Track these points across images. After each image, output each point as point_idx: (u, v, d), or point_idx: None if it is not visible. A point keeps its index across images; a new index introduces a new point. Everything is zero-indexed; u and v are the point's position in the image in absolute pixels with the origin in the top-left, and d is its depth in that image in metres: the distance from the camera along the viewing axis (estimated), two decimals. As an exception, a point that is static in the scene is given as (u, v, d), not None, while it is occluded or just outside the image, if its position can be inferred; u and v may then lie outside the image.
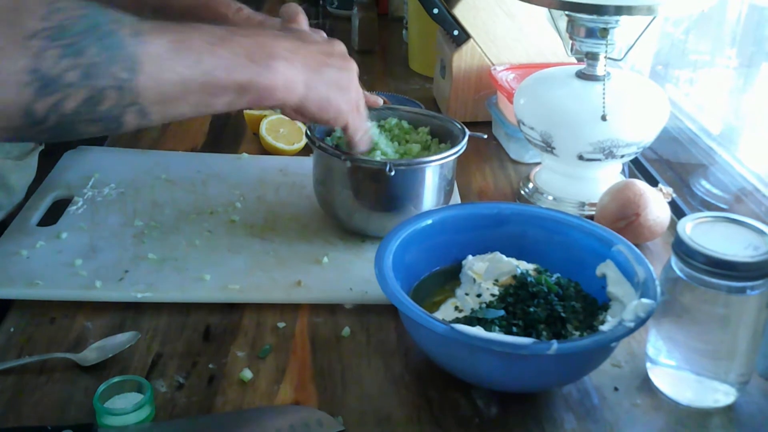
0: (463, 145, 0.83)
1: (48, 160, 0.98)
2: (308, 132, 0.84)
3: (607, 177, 0.93)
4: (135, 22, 0.56)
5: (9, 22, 0.51)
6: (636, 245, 0.81)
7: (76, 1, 0.54)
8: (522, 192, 0.98)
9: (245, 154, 1.04)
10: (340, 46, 0.73)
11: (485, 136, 0.89)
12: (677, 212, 0.92)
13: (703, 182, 0.96)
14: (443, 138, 0.88)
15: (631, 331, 0.59)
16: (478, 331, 0.59)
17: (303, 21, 0.82)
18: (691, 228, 0.62)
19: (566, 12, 0.86)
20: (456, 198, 0.94)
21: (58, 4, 0.53)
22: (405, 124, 0.90)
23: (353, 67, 0.73)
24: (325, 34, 0.82)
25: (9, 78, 0.50)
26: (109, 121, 0.56)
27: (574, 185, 0.93)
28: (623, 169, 0.98)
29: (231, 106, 0.64)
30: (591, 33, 0.86)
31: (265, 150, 1.06)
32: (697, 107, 1.09)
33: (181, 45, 0.58)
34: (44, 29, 0.51)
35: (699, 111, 1.08)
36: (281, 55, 0.65)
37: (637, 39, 0.88)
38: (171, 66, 0.57)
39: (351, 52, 1.59)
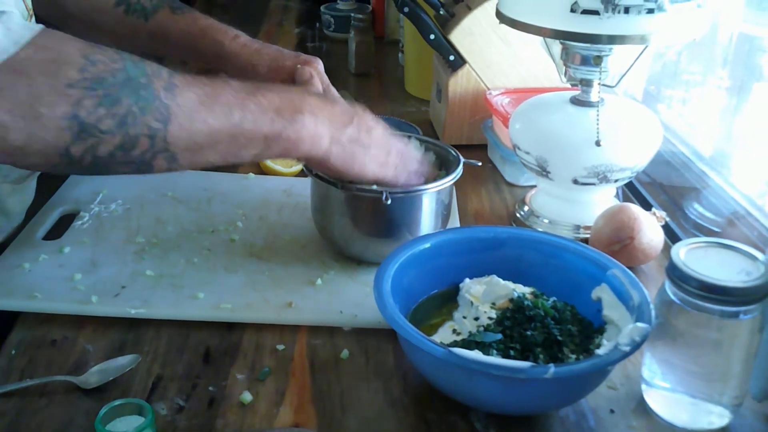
0: (458, 172, 0.84)
1: (55, 178, 0.99)
2: None
3: (601, 201, 0.94)
4: (168, 75, 0.60)
5: (50, 72, 0.55)
6: (630, 268, 0.82)
7: (112, 53, 0.58)
8: (518, 215, 0.99)
9: (252, 174, 1.05)
10: (360, 108, 0.77)
11: (480, 164, 0.90)
12: (671, 236, 0.93)
13: (696, 206, 0.98)
14: (438, 165, 0.89)
15: (627, 354, 0.60)
16: (476, 354, 0.60)
17: (317, 83, 0.85)
18: (684, 253, 0.64)
19: (560, 40, 0.88)
20: (455, 221, 0.95)
21: (94, 57, 0.56)
22: None
23: (378, 126, 0.76)
24: (327, 80, 0.87)
25: (49, 123, 0.54)
26: (140, 164, 0.60)
27: (569, 209, 0.94)
28: (617, 193, 1.00)
29: (258, 157, 0.68)
30: (585, 60, 0.88)
31: (264, 172, 1.07)
32: (690, 127, 1.10)
33: (212, 98, 0.62)
34: (83, 79, 0.55)
35: (691, 132, 1.09)
36: (308, 110, 0.69)
37: (631, 66, 0.89)
38: (201, 117, 0.61)
39: (347, 75, 1.62)
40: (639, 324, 0.63)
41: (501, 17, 0.88)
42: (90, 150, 0.56)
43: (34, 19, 0.84)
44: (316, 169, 0.77)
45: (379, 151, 0.76)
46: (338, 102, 0.76)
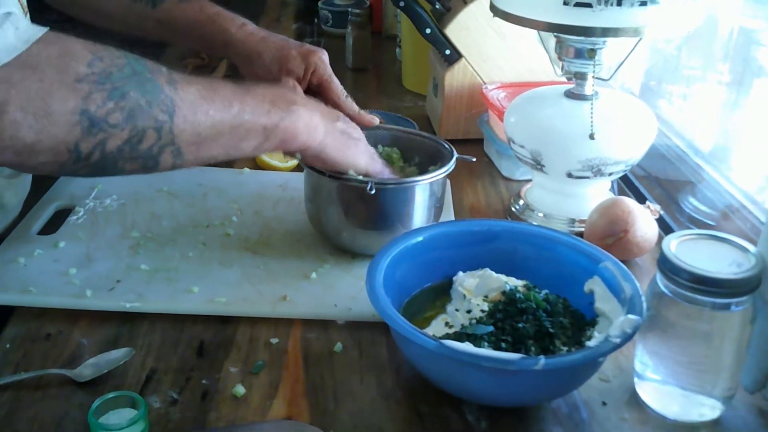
0: (450, 165, 0.84)
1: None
2: None
3: (596, 194, 0.94)
4: (168, 72, 0.62)
5: (58, 67, 0.55)
6: (625, 261, 0.82)
7: (114, 50, 0.59)
8: (513, 209, 0.99)
9: (247, 169, 1.06)
10: (349, 106, 0.85)
11: (474, 160, 0.90)
12: (665, 229, 0.93)
13: (691, 199, 0.98)
14: (433, 158, 0.89)
15: (617, 346, 0.61)
16: (467, 346, 0.60)
17: (316, 59, 0.88)
18: (675, 245, 0.64)
19: (555, 33, 0.88)
20: (449, 215, 0.95)
21: (100, 53, 0.57)
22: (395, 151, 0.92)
23: (357, 126, 0.81)
24: (331, 71, 0.90)
25: (60, 118, 0.55)
26: (147, 159, 0.61)
27: (564, 202, 0.95)
28: (612, 186, 1.00)
29: (258, 150, 0.70)
30: (579, 54, 0.88)
31: (260, 167, 1.07)
32: (690, 123, 1.10)
33: (211, 92, 0.64)
34: (91, 74, 0.56)
35: (690, 127, 1.09)
36: (300, 102, 0.72)
37: (625, 59, 0.89)
38: (204, 109, 0.63)
39: (345, 70, 1.62)
40: (630, 316, 0.63)
41: (495, 10, 0.88)
42: (99, 145, 0.57)
43: (29, 16, 0.84)
44: (312, 161, 0.78)
45: (365, 146, 0.79)
46: (322, 103, 0.79)
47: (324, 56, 0.89)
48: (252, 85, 0.70)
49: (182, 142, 0.62)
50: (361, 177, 0.80)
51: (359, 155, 0.78)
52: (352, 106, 0.88)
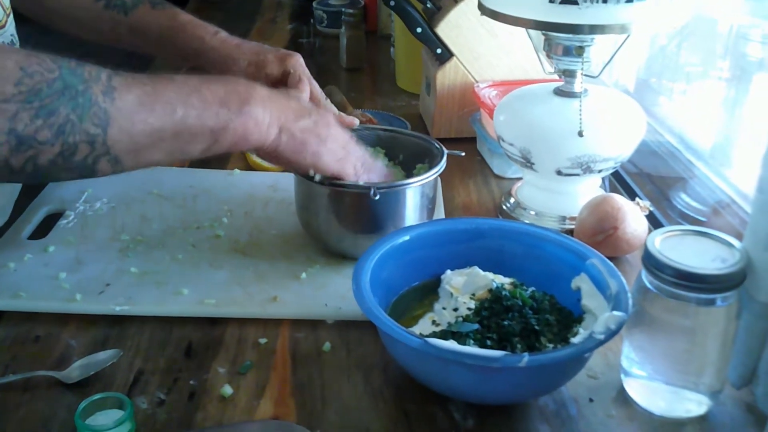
0: (441, 165, 0.84)
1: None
2: None
3: (586, 191, 0.94)
4: (107, 79, 0.60)
5: None
6: (615, 258, 0.83)
7: (49, 62, 0.57)
8: (504, 207, 0.99)
9: (237, 170, 1.06)
10: (329, 108, 0.78)
11: (463, 154, 0.90)
12: (656, 225, 0.93)
13: (683, 195, 0.98)
14: (418, 156, 0.89)
15: (601, 343, 0.61)
16: (451, 344, 0.60)
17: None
18: (660, 241, 0.64)
19: (543, 31, 0.87)
20: (440, 214, 0.95)
21: (31, 69, 0.56)
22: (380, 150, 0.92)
23: (333, 120, 0.76)
24: (309, 74, 0.87)
25: None
26: (82, 169, 0.60)
27: (554, 200, 0.95)
28: (603, 183, 1.00)
29: (208, 152, 0.67)
30: (567, 51, 0.88)
31: (252, 168, 1.08)
32: (690, 120, 1.10)
33: (152, 97, 0.62)
34: (19, 93, 0.55)
35: (691, 124, 1.09)
36: (255, 100, 0.68)
37: (613, 56, 0.89)
38: (141, 118, 0.61)
39: (339, 70, 1.61)
40: (615, 312, 0.63)
41: (482, 9, 0.88)
42: (30, 160, 0.57)
43: (11, 17, 0.85)
44: (268, 160, 0.76)
45: (337, 146, 0.75)
46: (301, 100, 0.76)
47: (300, 60, 0.89)
48: (205, 81, 0.67)
49: (119, 152, 0.61)
50: (361, 183, 0.79)
51: (322, 156, 0.74)
52: (332, 108, 0.88)
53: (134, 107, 0.61)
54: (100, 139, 0.59)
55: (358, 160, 0.79)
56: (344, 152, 0.77)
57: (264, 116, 0.69)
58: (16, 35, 0.87)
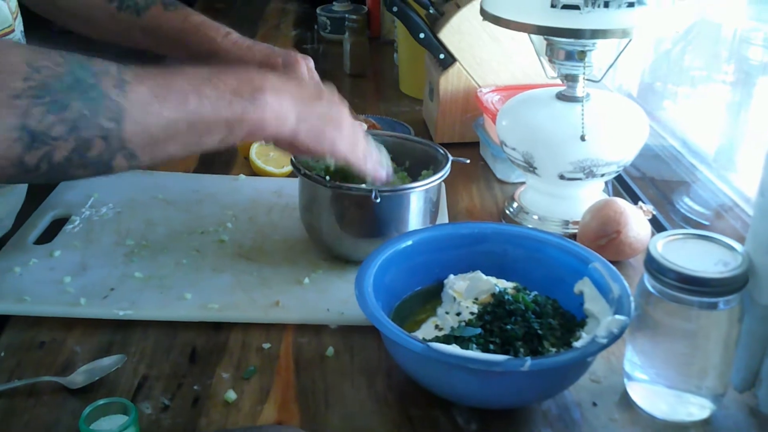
0: (446, 170, 0.85)
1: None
2: (293, 159, 0.85)
3: (589, 195, 0.94)
4: (117, 72, 0.59)
5: None
6: (618, 262, 0.83)
7: (57, 57, 0.56)
8: (507, 211, 0.99)
9: (242, 176, 1.06)
10: (330, 87, 0.74)
11: (468, 161, 0.91)
12: (659, 229, 0.93)
13: (686, 199, 0.98)
14: (424, 162, 0.89)
15: (604, 347, 0.61)
16: (453, 349, 0.60)
17: (301, 68, 0.84)
18: (662, 245, 0.64)
19: (545, 36, 0.88)
20: (444, 219, 0.95)
21: (38, 63, 0.55)
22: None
23: (344, 104, 0.74)
24: (318, 78, 0.85)
25: None
26: (99, 165, 0.58)
27: (557, 204, 0.95)
28: (606, 187, 1.00)
29: (224, 142, 0.65)
30: (569, 56, 0.88)
31: (256, 173, 1.08)
32: (695, 123, 1.10)
33: (165, 89, 0.60)
34: (28, 88, 0.54)
35: (694, 127, 1.09)
36: (269, 89, 0.66)
37: (615, 61, 0.89)
38: (156, 111, 0.59)
39: (343, 76, 1.62)
40: (617, 316, 0.63)
41: (484, 14, 0.88)
42: (45, 158, 0.56)
43: (20, 18, 0.85)
44: (286, 149, 0.75)
45: (351, 132, 0.73)
46: (305, 81, 0.74)
47: (310, 63, 0.89)
48: (216, 73, 0.65)
49: (135, 146, 0.59)
50: (364, 186, 0.79)
51: (338, 143, 0.72)
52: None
53: (148, 99, 0.59)
54: (115, 133, 0.58)
55: (363, 142, 0.76)
56: (354, 136, 0.74)
57: (280, 105, 0.67)
58: (23, 39, 0.87)
